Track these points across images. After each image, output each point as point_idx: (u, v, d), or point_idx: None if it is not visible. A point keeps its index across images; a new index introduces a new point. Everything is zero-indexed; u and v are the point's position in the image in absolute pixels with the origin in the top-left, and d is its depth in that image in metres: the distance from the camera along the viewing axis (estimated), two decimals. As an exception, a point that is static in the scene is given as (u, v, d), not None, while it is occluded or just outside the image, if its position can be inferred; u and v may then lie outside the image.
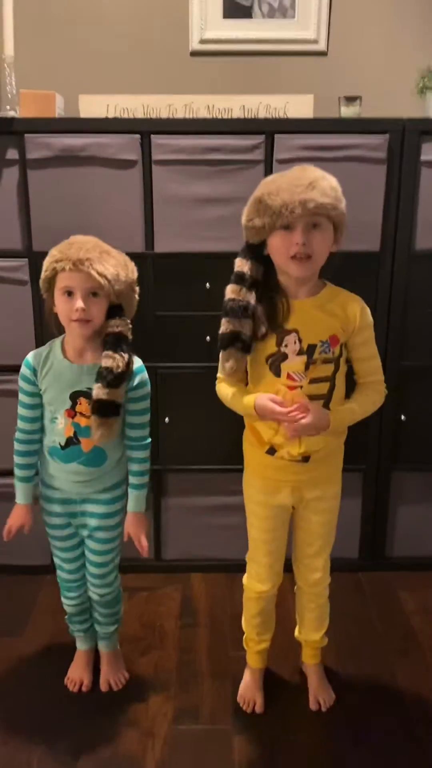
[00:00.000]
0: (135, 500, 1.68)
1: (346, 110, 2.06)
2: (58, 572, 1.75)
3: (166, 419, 2.12)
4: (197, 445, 2.16)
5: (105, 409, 1.51)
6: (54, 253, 1.50)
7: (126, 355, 1.53)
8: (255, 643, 1.74)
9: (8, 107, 2.11)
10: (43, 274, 1.51)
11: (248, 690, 1.74)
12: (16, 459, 1.64)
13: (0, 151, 1.93)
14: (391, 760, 1.56)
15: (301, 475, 1.54)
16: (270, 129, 1.92)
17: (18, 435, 1.63)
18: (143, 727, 1.65)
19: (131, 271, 1.56)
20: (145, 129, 1.92)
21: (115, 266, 1.50)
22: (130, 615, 2.04)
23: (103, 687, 1.78)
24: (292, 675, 1.82)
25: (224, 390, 1.56)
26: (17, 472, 1.66)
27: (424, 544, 2.30)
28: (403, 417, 2.15)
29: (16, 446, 1.63)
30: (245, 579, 1.72)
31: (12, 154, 1.93)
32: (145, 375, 1.62)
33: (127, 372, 1.53)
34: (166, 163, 1.93)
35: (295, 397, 1.45)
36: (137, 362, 1.59)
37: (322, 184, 1.36)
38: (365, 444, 2.18)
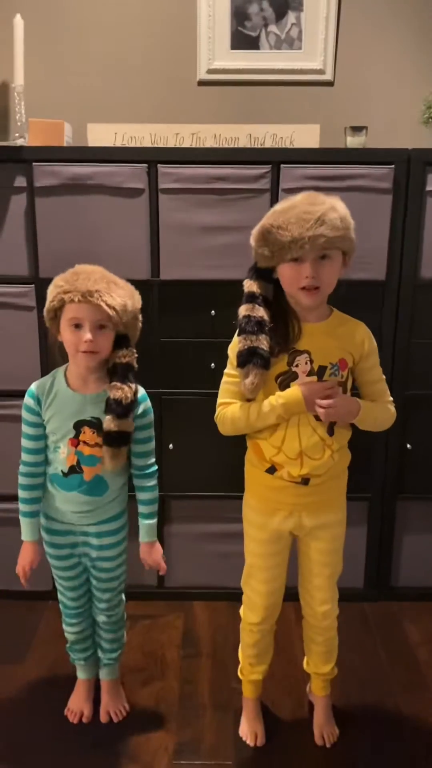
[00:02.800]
0: (147, 530, 1.67)
1: (352, 140, 2.07)
2: (61, 599, 1.74)
3: (170, 446, 2.12)
4: (201, 471, 2.15)
5: (117, 440, 1.52)
6: (60, 284, 1.48)
7: (134, 386, 1.53)
8: (248, 672, 1.72)
9: (17, 135, 2.14)
10: (48, 304, 1.50)
11: (248, 722, 1.72)
12: (21, 494, 1.62)
13: (8, 178, 1.95)
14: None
15: (300, 498, 1.53)
16: (276, 159, 1.93)
17: (22, 468, 1.61)
18: (143, 761, 1.62)
19: (137, 300, 1.56)
20: (152, 158, 1.94)
21: (123, 297, 1.50)
22: (131, 644, 2.01)
23: (104, 718, 1.75)
24: (296, 708, 1.80)
25: (236, 410, 1.50)
26: (23, 507, 1.62)
27: (431, 574, 2.27)
28: (408, 445, 2.13)
29: (21, 480, 1.61)
30: (241, 609, 1.70)
31: (20, 181, 1.95)
32: (149, 403, 1.62)
33: (135, 402, 1.53)
34: (172, 191, 1.95)
35: (303, 418, 1.47)
36: (141, 391, 1.59)
37: (331, 217, 1.36)
38: (370, 472, 2.17)
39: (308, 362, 1.46)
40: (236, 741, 1.69)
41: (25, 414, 1.59)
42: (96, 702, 1.79)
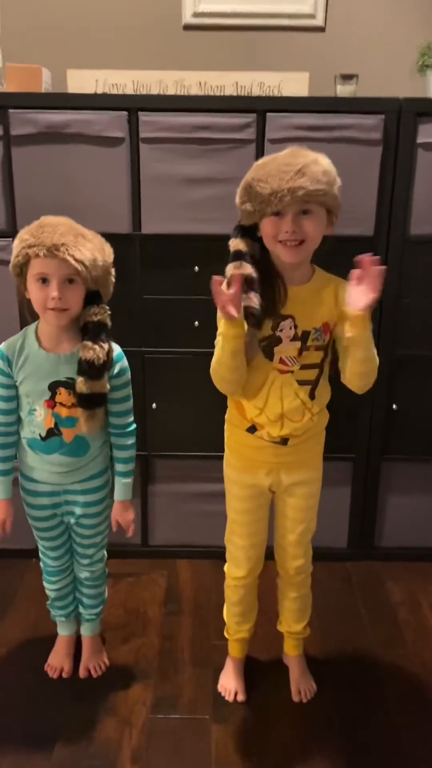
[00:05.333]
0: (122, 489, 1.65)
1: (342, 89, 1.99)
2: (42, 558, 1.73)
3: (153, 405, 2.09)
4: (184, 430, 2.13)
5: (91, 402, 1.48)
6: (25, 237, 1.41)
7: (106, 345, 1.48)
8: (234, 631, 1.73)
9: (-5, 82, 2.06)
10: (13, 259, 1.43)
11: (228, 679, 1.73)
12: None
13: (-17, 127, 1.88)
14: (370, 750, 1.54)
15: (279, 457, 1.52)
16: (262, 107, 1.86)
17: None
18: (121, 715, 1.64)
19: (108, 254, 1.49)
20: (132, 105, 1.86)
21: (92, 250, 1.43)
22: (113, 601, 2.01)
23: (83, 673, 1.76)
24: (275, 665, 1.80)
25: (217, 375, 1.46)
26: None
27: (413, 535, 2.27)
28: (395, 406, 2.11)
29: None
30: (225, 565, 1.70)
31: (-5, 130, 1.88)
32: (125, 362, 1.58)
33: (108, 362, 1.49)
34: (153, 141, 1.88)
35: (285, 380, 1.44)
36: (116, 349, 1.55)
37: (312, 170, 1.30)
38: (356, 433, 2.15)
39: (292, 327, 1.42)
40: (215, 696, 1.70)
41: None
42: (76, 658, 1.80)
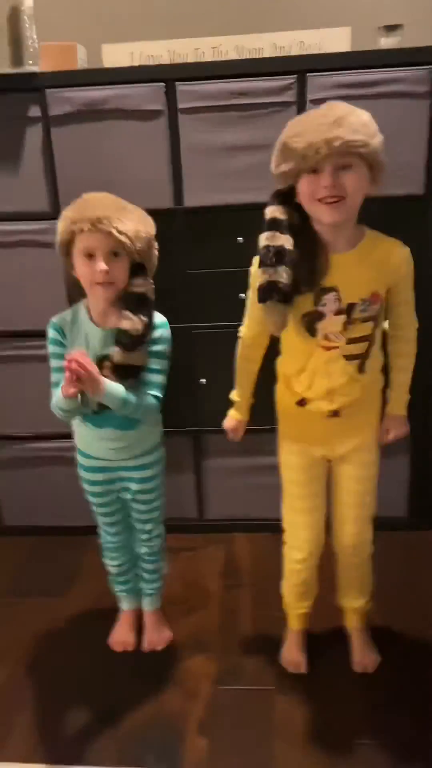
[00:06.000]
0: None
1: (386, 41, 1.91)
2: (101, 535, 1.77)
3: (202, 380, 2.08)
4: (236, 405, 2.11)
5: (125, 373, 1.47)
6: (68, 215, 1.42)
7: (146, 318, 1.47)
8: (294, 607, 1.72)
9: (30, 62, 2.05)
10: (58, 238, 1.44)
11: (291, 652, 1.73)
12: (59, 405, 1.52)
13: (22, 108, 1.87)
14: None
15: (331, 427, 1.49)
16: (301, 67, 1.79)
17: (55, 407, 1.53)
18: (186, 687, 1.66)
19: (150, 226, 1.48)
20: (169, 76, 1.82)
21: (135, 223, 1.42)
22: (172, 575, 2.02)
23: (147, 647, 1.79)
24: (338, 635, 1.79)
25: (238, 353, 1.51)
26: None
27: None
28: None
29: (57, 412, 1.53)
30: (284, 548, 1.68)
31: (35, 111, 1.88)
32: (167, 332, 1.54)
33: (147, 335, 1.48)
34: (192, 111, 1.84)
35: (330, 357, 1.38)
36: (160, 318, 1.53)
37: (350, 120, 1.23)
38: (414, 401, 2.08)
39: (336, 300, 1.36)
40: (278, 667, 1.71)
41: (51, 347, 1.54)
42: (140, 634, 1.83)
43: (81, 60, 2.00)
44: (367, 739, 1.48)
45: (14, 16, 2.18)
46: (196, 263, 1.97)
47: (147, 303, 1.48)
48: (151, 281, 1.50)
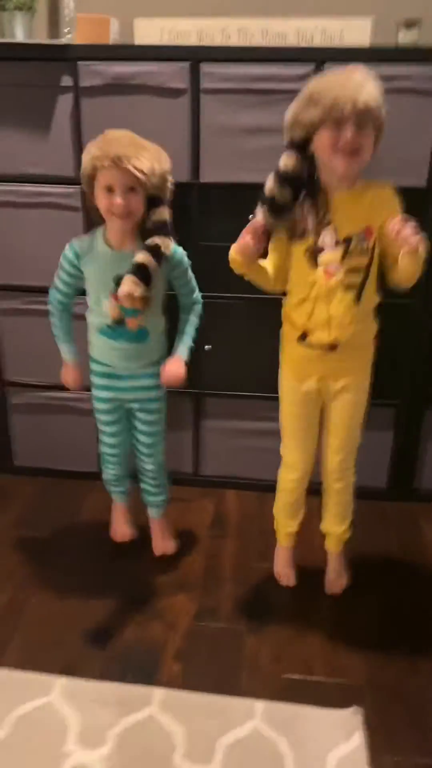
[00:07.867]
0: (183, 348, 1.84)
1: (404, 36, 1.99)
2: (101, 446, 1.99)
3: (207, 347, 2.22)
4: (236, 372, 2.26)
5: (144, 272, 1.66)
6: (92, 150, 1.62)
7: (170, 239, 1.70)
8: (284, 525, 1.95)
9: (67, 30, 2.15)
10: (83, 170, 1.65)
11: (281, 566, 1.99)
12: (53, 321, 1.86)
13: (55, 77, 1.98)
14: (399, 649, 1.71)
15: (328, 363, 1.68)
16: (321, 57, 1.89)
17: (52, 299, 1.83)
18: (168, 620, 1.85)
19: (165, 162, 1.67)
20: (194, 57, 1.92)
21: (150, 160, 1.61)
22: (165, 523, 2.22)
23: (157, 552, 2.07)
24: (308, 574, 1.99)
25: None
26: (57, 333, 1.88)
27: (452, 479, 2.36)
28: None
29: (51, 309, 1.85)
30: (280, 471, 1.90)
31: (66, 81, 1.99)
32: (184, 257, 1.81)
33: (167, 250, 1.70)
34: (214, 92, 1.94)
35: (330, 286, 1.59)
36: (176, 246, 1.76)
37: (372, 88, 1.44)
38: (399, 379, 2.22)
39: (334, 234, 1.55)
40: (250, 610, 1.89)
41: (63, 264, 1.78)
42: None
43: (113, 33, 2.09)
44: (322, 676, 1.67)
45: (54, -16, 2.27)
46: (208, 236, 2.10)
47: (165, 226, 1.69)
48: (168, 208, 1.71)
